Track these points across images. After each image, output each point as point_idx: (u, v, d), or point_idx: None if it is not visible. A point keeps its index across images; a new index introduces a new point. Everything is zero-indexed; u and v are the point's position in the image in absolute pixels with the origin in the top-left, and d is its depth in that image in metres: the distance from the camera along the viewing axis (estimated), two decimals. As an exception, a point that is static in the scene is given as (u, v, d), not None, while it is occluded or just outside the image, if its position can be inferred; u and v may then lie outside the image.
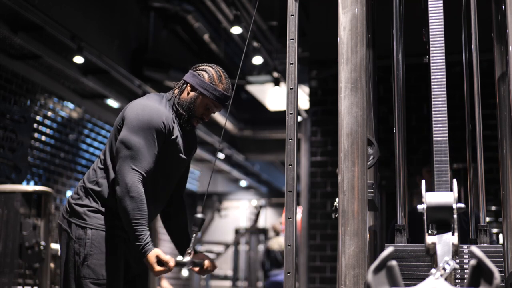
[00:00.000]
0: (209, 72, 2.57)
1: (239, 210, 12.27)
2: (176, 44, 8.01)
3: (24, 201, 4.10)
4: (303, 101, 6.68)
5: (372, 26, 2.48)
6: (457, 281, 1.93)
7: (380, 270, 1.41)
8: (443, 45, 2.04)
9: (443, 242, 1.62)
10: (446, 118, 1.96)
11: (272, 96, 8.46)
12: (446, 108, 1.97)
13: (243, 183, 12.50)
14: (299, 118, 5.77)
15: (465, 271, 1.94)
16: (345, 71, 2.00)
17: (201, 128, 8.22)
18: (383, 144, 2.87)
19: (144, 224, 2.35)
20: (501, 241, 4.00)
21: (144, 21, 7.32)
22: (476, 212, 2.30)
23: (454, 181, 1.73)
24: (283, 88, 7.35)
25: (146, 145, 2.40)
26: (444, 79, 2.00)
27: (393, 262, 1.46)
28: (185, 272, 9.27)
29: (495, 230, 5.05)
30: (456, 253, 1.63)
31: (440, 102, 1.98)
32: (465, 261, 1.95)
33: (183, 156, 2.56)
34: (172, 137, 2.49)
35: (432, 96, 1.99)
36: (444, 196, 1.70)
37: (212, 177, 11.92)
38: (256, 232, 10.73)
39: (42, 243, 4.04)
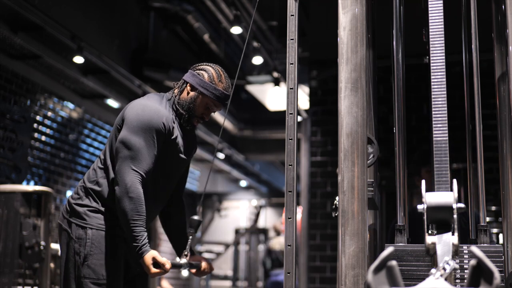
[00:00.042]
0: (208, 72, 2.57)
1: (239, 210, 12.27)
2: (176, 44, 8.01)
3: (24, 201, 4.10)
4: (303, 101, 6.68)
5: (372, 26, 2.48)
6: (457, 281, 1.93)
7: (380, 270, 1.41)
8: (443, 45, 2.04)
9: (443, 242, 1.62)
10: (446, 118, 1.96)
11: (272, 96, 8.46)
12: (446, 108, 1.97)
13: (243, 183, 12.50)
14: (299, 118, 5.77)
15: (465, 271, 1.94)
16: (345, 71, 2.00)
17: (201, 128, 8.22)
18: (383, 144, 2.87)
19: (142, 225, 2.35)
20: (501, 241, 4.00)
21: (144, 21, 7.32)
22: (476, 212, 2.30)
23: (454, 181, 1.73)
24: (283, 88, 7.35)
25: (146, 145, 2.40)
26: (444, 79, 2.00)
27: (393, 262, 1.46)
28: (185, 273, 9.25)
29: (495, 230, 5.05)
30: (456, 253, 1.63)
31: (440, 102, 1.98)
32: (465, 261, 1.95)
33: (183, 156, 2.56)
34: (172, 137, 2.49)
35: (432, 96, 1.99)
36: (444, 196, 1.70)
37: (212, 177, 11.95)
38: (256, 232, 10.73)
39: (42, 243, 4.04)
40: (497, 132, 2.28)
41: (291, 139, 2.17)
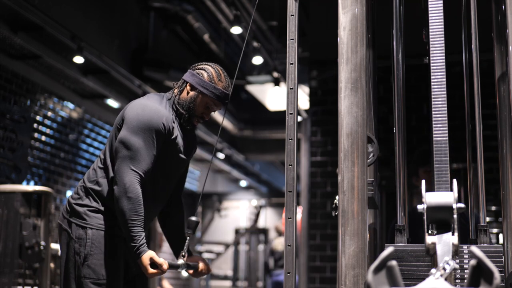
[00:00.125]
0: (208, 71, 2.57)
1: (239, 210, 12.27)
2: (176, 44, 8.01)
3: (24, 201, 4.10)
4: (303, 101, 6.68)
5: (372, 26, 2.48)
6: (457, 281, 1.93)
7: (380, 270, 1.41)
8: (443, 45, 2.04)
9: (443, 242, 1.62)
10: (446, 118, 1.96)
11: (272, 96, 8.46)
12: (446, 108, 1.97)
13: (243, 183, 12.50)
14: (299, 118, 5.77)
15: (465, 271, 1.94)
16: (345, 71, 2.00)
17: (201, 128, 8.22)
18: (383, 144, 2.87)
19: (140, 226, 2.35)
20: (501, 241, 4.00)
21: (144, 21, 7.32)
22: (475, 213, 2.30)
23: (454, 181, 1.73)
24: (283, 88, 7.35)
25: (145, 145, 2.40)
26: (444, 79, 2.00)
27: (393, 262, 1.46)
28: (185, 273, 9.25)
29: (495, 230, 5.05)
30: (456, 253, 1.63)
31: (440, 102, 1.98)
32: (465, 261, 1.95)
33: (182, 156, 2.56)
34: (172, 137, 2.49)
35: (432, 96, 1.99)
36: (444, 196, 1.70)
37: (212, 177, 11.94)
38: (256, 232, 10.73)
39: (42, 243, 4.04)
40: (497, 132, 2.28)
41: (291, 139, 2.17)
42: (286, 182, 2.15)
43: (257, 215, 11.52)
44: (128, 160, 2.38)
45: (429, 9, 2.08)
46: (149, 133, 2.41)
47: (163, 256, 2.43)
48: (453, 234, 1.64)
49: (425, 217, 1.69)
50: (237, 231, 10.84)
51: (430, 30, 2.06)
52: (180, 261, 2.51)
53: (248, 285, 10.47)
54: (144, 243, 2.35)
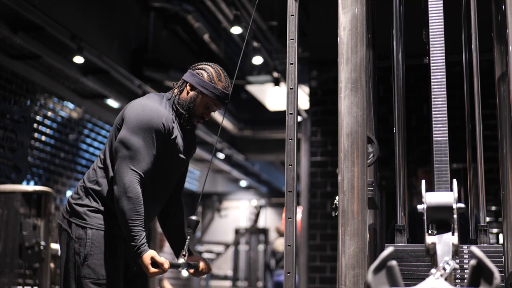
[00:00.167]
0: (208, 71, 2.57)
1: (239, 210, 12.28)
2: (176, 44, 8.01)
3: (24, 201, 4.10)
4: (303, 101, 6.68)
5: (372, 26, 2.48)
6: (457, 281, 1.93)
7: (380, 270, 1.41)
8: (443, 45, 2.04)
9: (443, 242, 1.62)
10: (446, 118, 1.96)
11: (272, 96, 8.46)
12: (446, 108, 1.97)
13: (243, 183, 12.50)
14: (299, 118, 5.77)
15: (465, 271, 1.94)
16: (345, 71, 2.00)
17: (201, 128, 8.22)
18: (383, 144, 2.87)
19: (141, 225, 2.35)
20: (501, 241, 4.00)
21: (144, 21, 7.32)
22: (475, 213, 2.30)
23: (454, 181, 1.73)
24: (283, 88, 7.35)
25: (145, 145, 2.40)
26: (444, 79, 2.00)
27: (393, 262, 1.46)
28: (185, 273, 9.26)
29: (495, 230, 5.05)
30: (456, 253, 1.63)
31: (440, 102, 1.98)
32: (465, 261, 1.95)
33: (182, 156, 2.56)
34: (172, 137, 2.49)
35: (432, 96, 1.99)
36: (444, 196, 1.70)
37: (212, 177, 11.94)
38: (256, 232, 10.73)
39: (42, 243, 4.04)
40: (497, 132, 2.28)
41: (291, 139, 2.17)
42: (286, 182, 2.15)
43: (257, 215, 11.52)
44: (128, 160, 2.38)
45: (429, 9, 2.08)
46: (149, 133, 2.41)
47: (164, 256, 2.43)
48: (453, 234, 1.64)
49: (425, 217, 1.69)
50: (237, 231, 10.85)
51: (430, 30, 2.06)
52: (181, 261, 2.51)
53: (248, 285, 10.47)
54: (144, 242, 2.35)
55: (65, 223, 2.49)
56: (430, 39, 2.05)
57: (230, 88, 2.59)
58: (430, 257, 1.76)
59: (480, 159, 2.08)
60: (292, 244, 2.10)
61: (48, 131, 6.39)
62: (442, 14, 2.07)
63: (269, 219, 12.33)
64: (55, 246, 4.21)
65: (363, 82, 1.99)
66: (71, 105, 6.81)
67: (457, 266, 1.56)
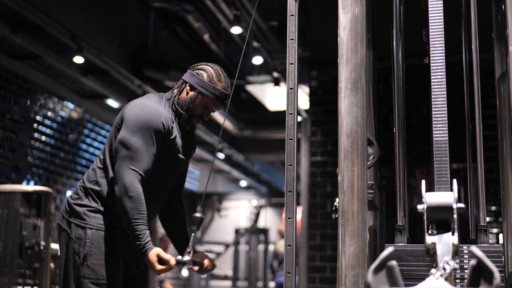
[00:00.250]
0: (207, 71, 2.57)
1: (239, 210, 12.28)
2: (176, 44, 8.01)
3: (24, 201, 4.10)
4: (303, 101, 6.68)
5: (372, 26, 2.48)
6: (457, 281, 1.93)
7: (380, 270, 1.41)
8: (443, 45, 2.03)
9: (443, 242, 1.62)
10: (446, 118, 1.96)
11: (272, 96, 8.46)
12: (446, 108, 1.97)
13: (243, 183, 12.50)
14: (299, 118, 5.77)
15: (465, 271, 1.94)
16: (345, 71, 2.00)
17: (201, 128, 8.22)
18: (383, 144, 2.87)
19: (144, 224, 2.35)
20: (501, 241, 4.00)
21: (144, 21, 7.32)
22: (475, 213, 2.30)
23: (454, 181, 1.73)
24: (283, 88, 7.35)
25: (145, 145, 2.40)
26: (444, 79, 2.00)
27: (393, 262, 1.46)
28: (185, 272, 9.28)
29: (495, 230, 5.05)
30: (456, 253, 1.63)
31: (440, 102, 1.98)
32: (465, 261, 1.95)
33: (182, 156, 2.56)
34: (171, 137, 2.49)
35: (432, 96, 1.99)
36: (444, 196, 1.70)
37: (212, 177, 11.94)
38: (256, 232, 10.73)
39: (42, 243, 4.04)
40: (497, 132, 2.28)
41: (291, 139, 2.17)
42: (286, 182, 2.15)
43: (257, 215, 11.51)
44: (128, 159, 2.38)
45: (429, 9, 2.08)
46: (149, 132, 2.41)
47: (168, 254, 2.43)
48: (453, 234, 1.64)
49: (425, 217, 1.69)
50: (237, 231, 10.84)
51: (430, 30, 2.06)
52: (186, 258, 2.51)
53: (248, 285, 10.47)
54: (149, 240, 2.35)
55: (65, 223, 2.49)
56: (430, 39, 2.05)
57: (230, 89, 2.59)
58: (430, 257, 1.76)
59: (480, 159, 2.08)
60: (292, 244, 2.10)
61: (48, 131, 6.39)
62: (442, 14, 2.07)
63: (269, 219, 12.33)
64: (55, 246, 4.21)
65: (363, 82, 1.99)
66: (71, 105, 6.81)
67: (457, 266, 1.56)
